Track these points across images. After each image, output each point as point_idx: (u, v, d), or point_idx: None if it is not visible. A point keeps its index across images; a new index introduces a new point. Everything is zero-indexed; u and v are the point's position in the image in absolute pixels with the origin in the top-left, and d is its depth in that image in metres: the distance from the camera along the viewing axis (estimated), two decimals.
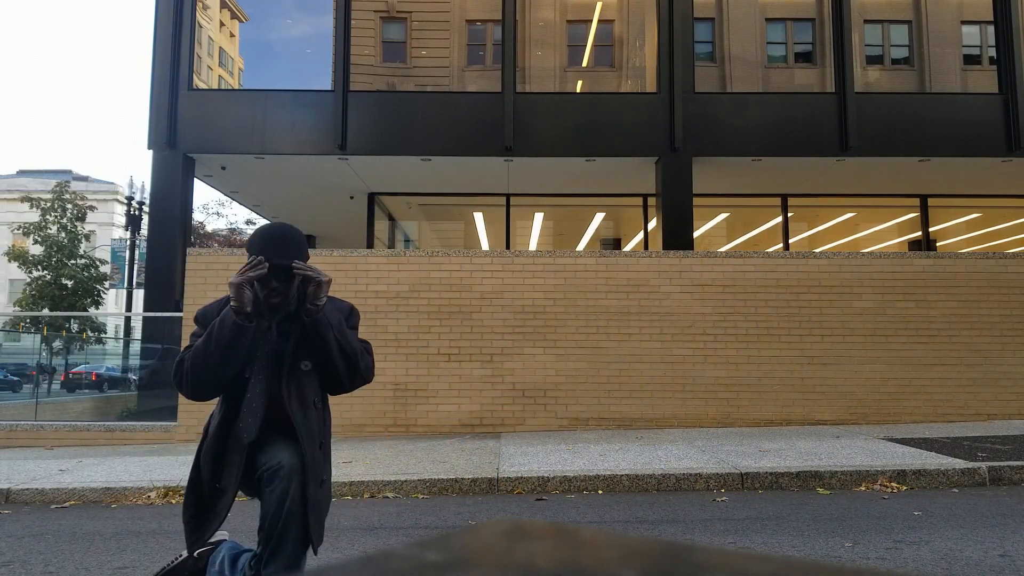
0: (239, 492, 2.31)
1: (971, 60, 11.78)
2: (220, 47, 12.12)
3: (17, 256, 21.82)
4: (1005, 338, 8.22)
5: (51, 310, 20.76)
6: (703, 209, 12.18)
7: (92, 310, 22.90)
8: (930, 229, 13.19)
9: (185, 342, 7.91)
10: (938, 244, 13.90)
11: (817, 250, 11.36)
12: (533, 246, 14.67)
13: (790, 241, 12.97)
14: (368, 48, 11.60)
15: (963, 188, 12.57)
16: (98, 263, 23.09)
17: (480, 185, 12.47)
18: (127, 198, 21.87)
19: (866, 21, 11.60)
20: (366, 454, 6.53)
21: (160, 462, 6.53)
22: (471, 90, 11.63)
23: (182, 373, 2.26)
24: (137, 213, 21.20)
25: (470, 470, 5.59)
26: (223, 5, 12.19)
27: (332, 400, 2.59)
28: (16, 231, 22.52)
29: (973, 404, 8.09)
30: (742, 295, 8.19)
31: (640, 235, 13.22)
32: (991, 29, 11.42)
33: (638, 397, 7.99)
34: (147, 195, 18.52)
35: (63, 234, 22.23)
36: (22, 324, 18.98)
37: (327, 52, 11.41)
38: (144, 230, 19.60)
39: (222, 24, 12.17)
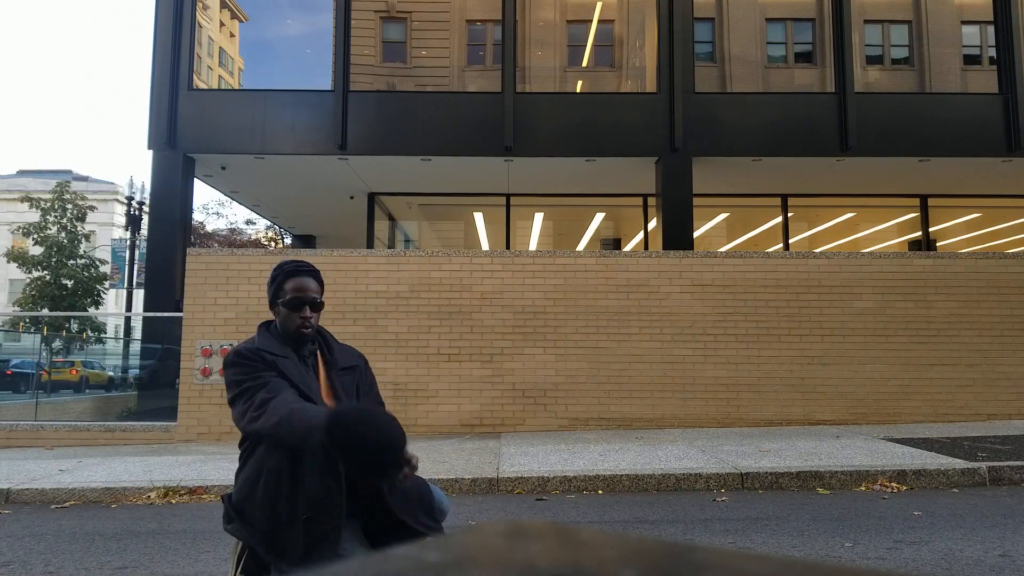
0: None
1: (971, 60, 11.78)
2: (220, 47, 12.12)
3: (17, 256, 21.81)
4: (1005, 338, 8.22)
5: (51, 310, 20.75)
6: (703, 209, 12.18)
7: (92, 310, 22.89)
8: (930, 229, 13.19)
9: (186, 343, 7.94)
10: (938, 244, 13.90)
11: (817, 250, 11.36)
12: (533, 246, 14.67)
13: (790, 241, 12.97)
14: (368, 48, 11.60)
15: (963, 188, 12.57)
16: (98, 263, 23.08)
17: (480, 185, 12.47)
18: (127, 198, 21.86)
19: (866, 21, 11.60)
20: None
21: (160, 462, 6.53)
22: (471, 90, 11.63)
23: (269, 420, 1.95)
24: (137, 213, 21.20)
25: (470, 470, 5.59)
26: (223, 5, 12.18)
27: None
28: (16, 231, 22.50)
29: (973, 404, 8.09)
30: (742, 295, 8.19)
31: (640, 235, 13.22)
32: (991, 29, 11.42)
33: (638, 397, 7.99)
34: (147, 195, 18.53)
35: (63, 234, 22.22)
36: (22, 324, 18.97)
37: (327, 52, 11.41)
38: (144, 230, 19.60)
39: (222, 24, 12.17)
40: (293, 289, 2.20)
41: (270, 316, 2.31)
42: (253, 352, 2.11)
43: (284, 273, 2.21)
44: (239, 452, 2.21)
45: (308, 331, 2.20)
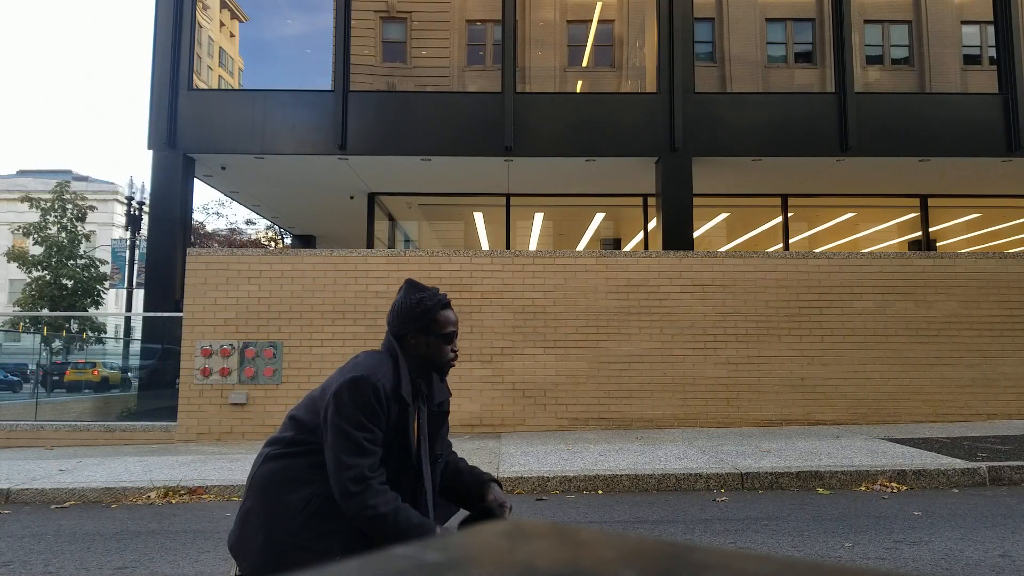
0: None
1: (971, 60, 11.77)
2: (220, 47, 12.11)
3: (17, 256, 21.82)
4: (1005, 338, 8.22)
5: (51, 310, 20.75)
6: (703, 209, 12.18)
7: (92, 310, 22.89)
8: (930, 229, 13.19)
9: (186, 343, 7.94)
10: (938, 244, 13.90)
11: (817, 250, 11.36)
12: (533, 246, 14.67)
13: (790, 241, 12.96)
14: (368, 48, 11.60)
15: (963, 188, 12.57)
16: (98, 263, 23.07)
17: (480, 185, 12.47)
18: (127, 198, 21.85)
19: (866, 21, 11.60)
20: None
21: (160, 462, 6.53)
22: (471, 90, 11.63)
23: (359, 512, 1.90)
24: (137, 213, 21.19)
25: None
26: (223, 5, 12.18)
27: None
28: (16, 231, 22.50)
29: (973, 404, 8.09)
30: (742, 295, 8.19)
31: (640, 235, 13.22)
32: (991, 29, 11.41)
33: (638, 397, 7.99)
34: (147, 195, 18.52)
35: (63, 234, 22.22)
36: (22, 324, 18.97)
37: (327, 52, 11.41)
38: (144, 230, 19.59)
39: (222, 24, 12.17)
40: (447, 322, 2.19)
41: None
42: (387, 399, 2.02)
43: (440, 304, 2.19)
44: (282, 437, 2.09)
45: (455, 364, 2.24)
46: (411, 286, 2.22)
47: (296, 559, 1.92)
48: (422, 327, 2.16)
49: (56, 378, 15.11)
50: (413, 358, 2.17)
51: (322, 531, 1.96)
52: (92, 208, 24.63)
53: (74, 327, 20.21)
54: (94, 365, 17.54)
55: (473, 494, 2.26)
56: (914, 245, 13.33)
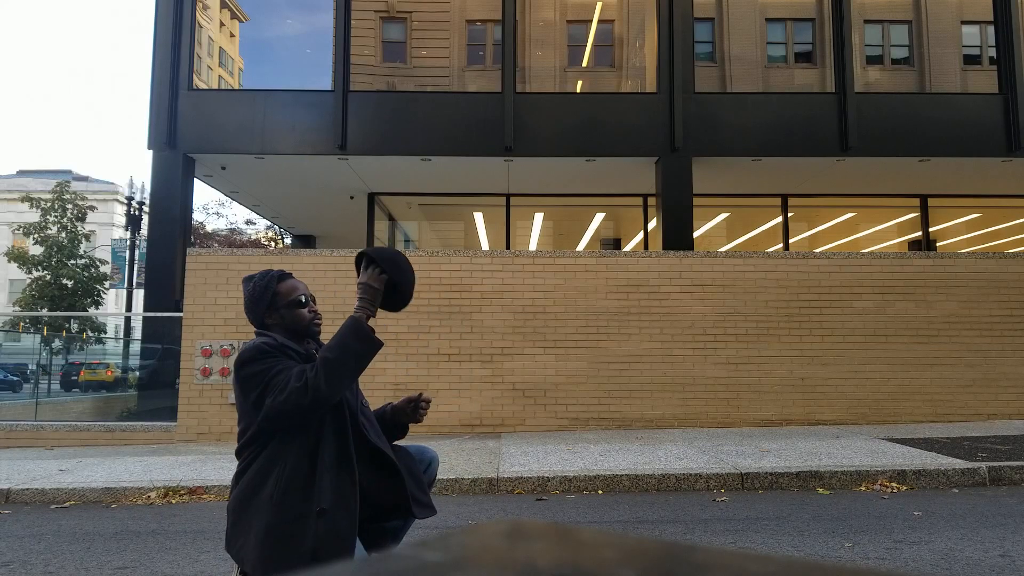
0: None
1: (971, 60, 11.77)
2: (220, 47, 12.11)
3: (17, 256, 21.81)
4: (1005, 338, 8.22)
5: (51, 310, 20.75)
6: (703, 209, 12.18)
7: (92, 310, 22.89)
8: (930, 229, 13.19)
9: (186, 343, 7.94)
10: (938, 244, 13.90)
11: (817, 250, 11.36)
12: (533, 246, 14.67)
13: (790, 241, 12.96)
14: (368, 48, 11.60)
15: (963, 188, 12.57)
16: (98, 263, 23.07)
17: (480, 185, 12.47)
18: (127, 198, 21.86)
19: (866, 21, 11.60)
20: None
21: (160, 462, 6.53)
22: (471, 90, 11.63)
23: (318, 386, 1.99)
24: (137, 213, 21.19)
25: (470, 470, 5.59)
26: (223, 5, 12.18)
27: None
28: (16, 231, 22.50)
29: (973, 404, 8.09)
30: (742, 295, 8.19)
31: (640, 235, 13.22)
32: (991, 29, 11.41)
33: (638, 397, 7.99)
34: (147, 195, 18.54)
35: (63, 234, 22.22)
36: (22, 324, 18.97)
37: (327, 52, 11.41)
38: (144, 230, 19.60)
39: (222, 24, 12.17)
40: (291, 290, 2.26)
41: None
42: (276, 348, 2.12)
43: (275, 278, 2.26)
44: (242, 456, 2.19)
45: (320, 322, 2.31)
46: (244, 280, 2.32)
47: (288, 535, 1.96)
48: (269, 306, 2.23)
49: (74, 378, 15.38)
50: (289, 331, 2.27)
51: (299, 499, 2.01)
52: (92, 208, 24.62)
53: (74, 327, 20.21)
54: (107, 366, 17.72)
55: (396, 416, 2.52)
56: (914, 245, 13.33)
